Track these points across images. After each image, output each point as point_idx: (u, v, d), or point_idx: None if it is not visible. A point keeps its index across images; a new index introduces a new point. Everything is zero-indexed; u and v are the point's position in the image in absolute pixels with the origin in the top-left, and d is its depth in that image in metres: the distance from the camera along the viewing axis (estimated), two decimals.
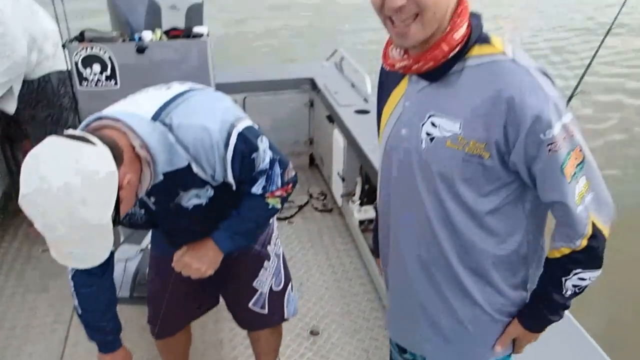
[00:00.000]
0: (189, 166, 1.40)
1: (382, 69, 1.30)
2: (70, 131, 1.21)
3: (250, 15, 10.34)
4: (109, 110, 1.39)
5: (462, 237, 1.18)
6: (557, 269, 1.17)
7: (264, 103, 3.92)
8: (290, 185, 1.60)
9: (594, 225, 1.11)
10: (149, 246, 2.36)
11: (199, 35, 2.64)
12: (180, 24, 3.13)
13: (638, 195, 4.61)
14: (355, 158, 3.28)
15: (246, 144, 1.44)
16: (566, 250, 1.14)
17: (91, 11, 5.42)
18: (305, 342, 2.61)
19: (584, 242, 1.12)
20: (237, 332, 2.61)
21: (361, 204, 3.34)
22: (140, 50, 2.52)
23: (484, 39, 1.08)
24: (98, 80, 2.52)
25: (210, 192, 1.51)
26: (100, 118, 1.34)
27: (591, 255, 1.13)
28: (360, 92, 3.70)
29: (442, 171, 1.12)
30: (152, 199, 1.53)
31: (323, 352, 2.55)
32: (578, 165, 1.07)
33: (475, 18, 1.09)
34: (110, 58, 2.50)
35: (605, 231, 1.13)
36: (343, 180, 3.47)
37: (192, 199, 1.52)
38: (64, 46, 2.51)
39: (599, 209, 1.12)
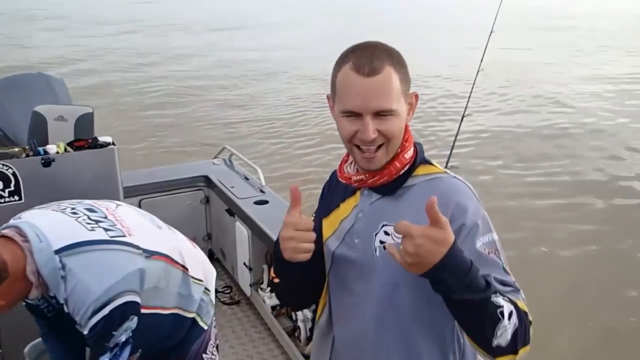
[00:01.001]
0: None
1: (331, 178, 1.43)
2: None
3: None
4: (31, 220, 1.54)
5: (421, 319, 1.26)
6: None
7: (160, 204, 3.96)
8: None
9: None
10: None
11: (106, 145, 2.71)
12: (69, 135, 3.11)
13: None
14: (261, 247, 3.44)
15: (113, 319, 1.53)
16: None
17: None
18: None
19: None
20: None
21: (271, 291, 3.47)
22: (47, 163, 2.53)
23: (427, 161, 1.30)
24: (0, 197, 2.46)
25: None
26: (16, 227, 1.50)
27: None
28: (255, 184, 3.93)
29: (398, 277, 1.20)
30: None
31: None
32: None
33: (418, 145, 1.30)
34: (14, 174, 2.47)
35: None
36: (250, 269, 3.58)
37: None
38: None
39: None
